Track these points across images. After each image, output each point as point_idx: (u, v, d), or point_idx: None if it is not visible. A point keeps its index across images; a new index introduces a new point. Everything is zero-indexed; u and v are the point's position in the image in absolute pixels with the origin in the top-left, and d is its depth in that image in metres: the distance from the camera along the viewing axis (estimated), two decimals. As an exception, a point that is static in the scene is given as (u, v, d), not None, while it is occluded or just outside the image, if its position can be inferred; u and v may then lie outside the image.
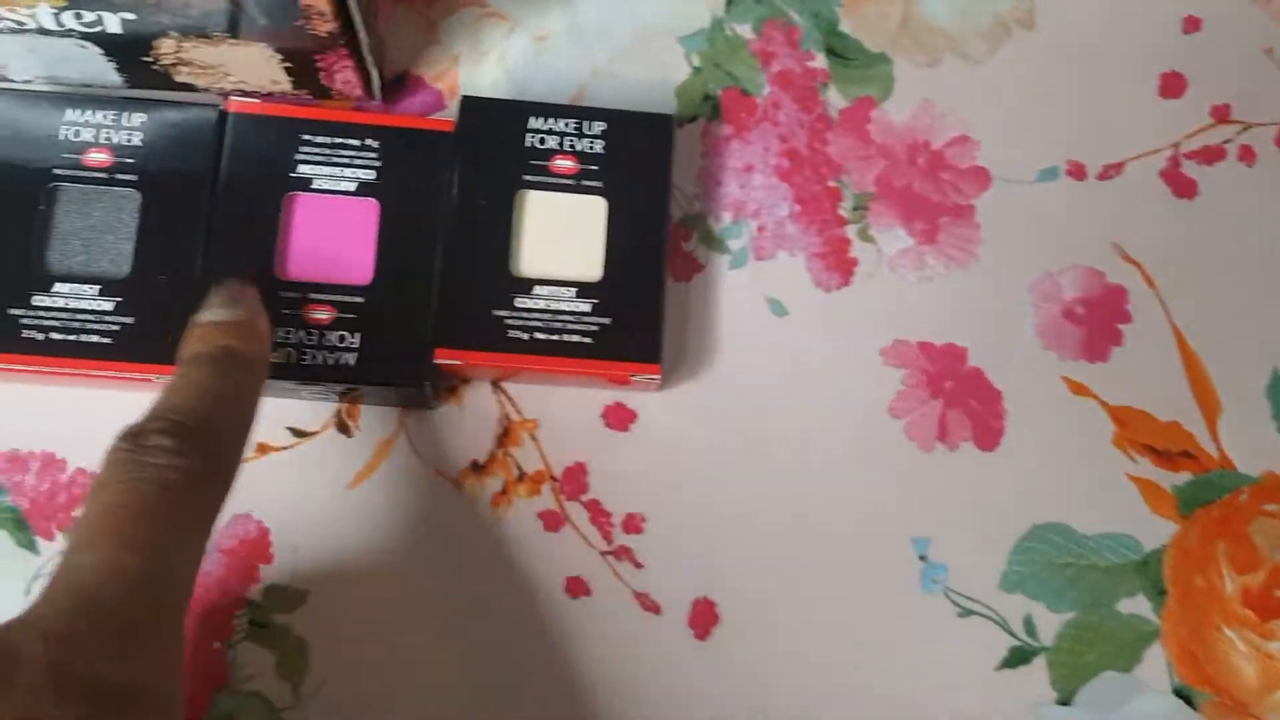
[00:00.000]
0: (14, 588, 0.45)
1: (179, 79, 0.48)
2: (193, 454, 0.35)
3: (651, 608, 0.47)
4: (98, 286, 0.45)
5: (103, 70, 0.47)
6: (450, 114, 0.51)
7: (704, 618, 0.47)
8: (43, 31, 0.44)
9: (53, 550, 0.46)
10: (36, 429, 0.47)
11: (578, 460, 0.48)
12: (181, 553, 0.35)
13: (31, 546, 0.46)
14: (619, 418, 0.49)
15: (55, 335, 0.44)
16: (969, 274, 0.51)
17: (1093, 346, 0.51)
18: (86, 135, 0.46)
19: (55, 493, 0.46)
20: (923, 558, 0.48)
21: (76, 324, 0.44)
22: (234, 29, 0.44)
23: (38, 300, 0.44)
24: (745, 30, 0.53)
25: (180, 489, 0.35)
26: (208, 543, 0.36)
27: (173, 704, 0.32)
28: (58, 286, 0.44)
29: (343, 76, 0.47)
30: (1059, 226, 0.52)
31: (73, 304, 0.44)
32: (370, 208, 0.47)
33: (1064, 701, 0.47)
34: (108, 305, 0.44)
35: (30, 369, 0.44)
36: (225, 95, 0.49)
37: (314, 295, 0.45)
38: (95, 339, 0.44)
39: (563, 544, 0.47)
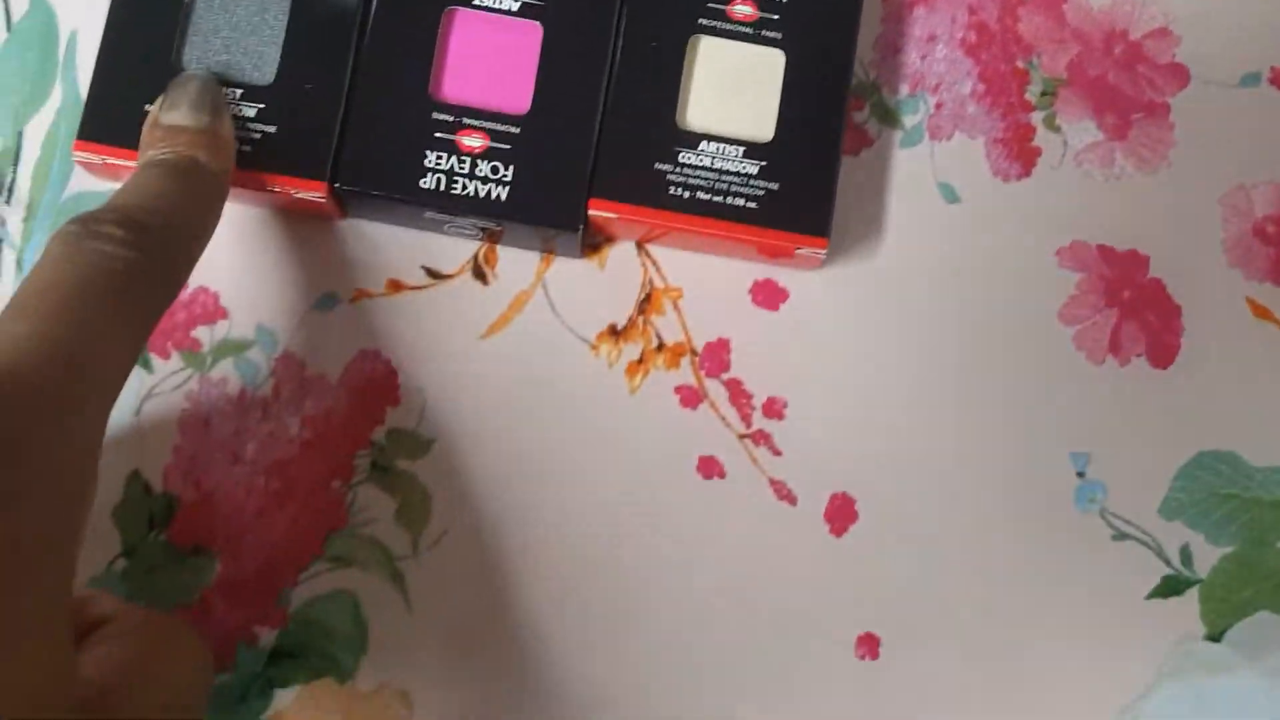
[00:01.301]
0: (125, 404, 0.43)
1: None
2: (141, 248, 0.34)
3: (787, 497, 0.44)
4: (240, 90, 0.41)
5: None
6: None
7: (842, 514, 0.44)
8: None
9: (168, 369, 0.43)
10: (157, 242, 0.44)
11: (721, 336, 0.45)
12: (113, 341, 0.32)
13: (145, 364, 0.43)
14: (769, 295, 0.46)
15: None
16: (1159, 178, 0.47)
17: (1281, 269, 0.47)
18: (233, -83, 0.42)
19: (174, 310, 0.43)
20: (1080, 474, 0.45)
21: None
22: None
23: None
24: (943, -113, 0.48)
25: (122, 277, 0.33)
26: (139, 351, 0.34)
27: (76, 497, 0.31)
28: None
29: (514, -111, 0.43)
30: (1257, 137, 0.48)
31: None
32: (533, 31, 0.43)
33: (1213, 638, 0.44)
34: (250, 111, 0.41)
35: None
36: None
37: (468, 120, 0.42)
38: (237, 146, 0.41)
39: (699, 422, 0.44)
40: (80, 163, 0.41)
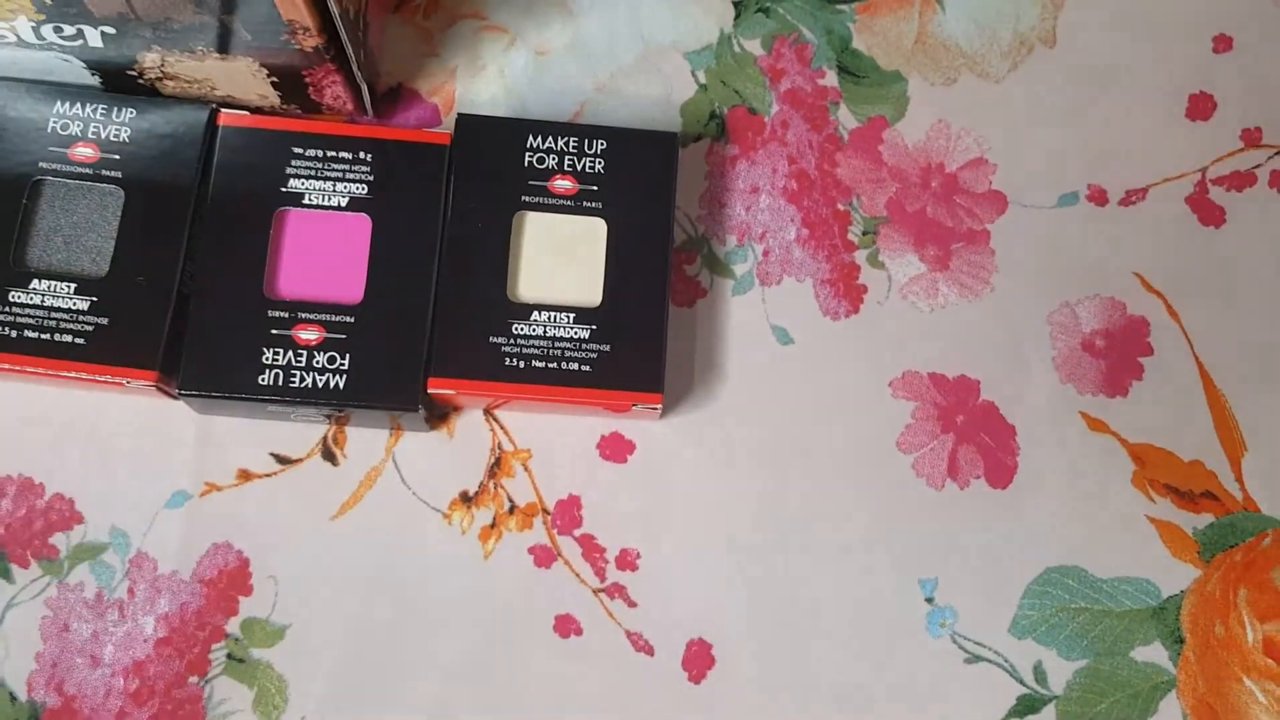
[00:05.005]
0: (-13, 617, 0.44)
1: (165, 92, 0.46)
2: None
3: (644, 648, 0.45)
4: (74, 284, 0.43)
5: (87, 83, 0.46)
6: (446, 129, 0.49)
7: (699, 659, 0.45)
8: (23, 44, 0.43)
9: (28, 578, 0.44)
10: (13, 452, 0.45)
11: (572, 493, 0.46)
12: None
13: (6, 574, 0.44)
14: (616, 448, 0.47)
15: (29, 333, 0.43)
16: (983, 303, 0.49)
17: (1112, 380, 0.48)
18: (75, 129, 0.45)
19: (32, 519, 0.45)
20: (929, 600, 0.46)
21: (51, 323, 0.43)
22: (217, 45, 0.42)
23: (14, 296, 0.43)
24: (754, 46, 0.51)
25: None
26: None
27: None
28: (35, 283, 0.43)
29: (332, 92, 0.46)
30: (1078, 254, 0.50)
31: (49, 301, 0.43)
32: (362, 224, 0.45)
33: (1075, 754, 0.45)
34: (83, 305, 0.43)
35: (1, 367, 0.43)
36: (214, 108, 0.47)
37: (303, 314, 0.44)
38: (69, 339, 0.43)
39: (553, 580, 0.46)
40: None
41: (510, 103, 0.50)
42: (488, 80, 0.50)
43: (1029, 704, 0.45)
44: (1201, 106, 0.51)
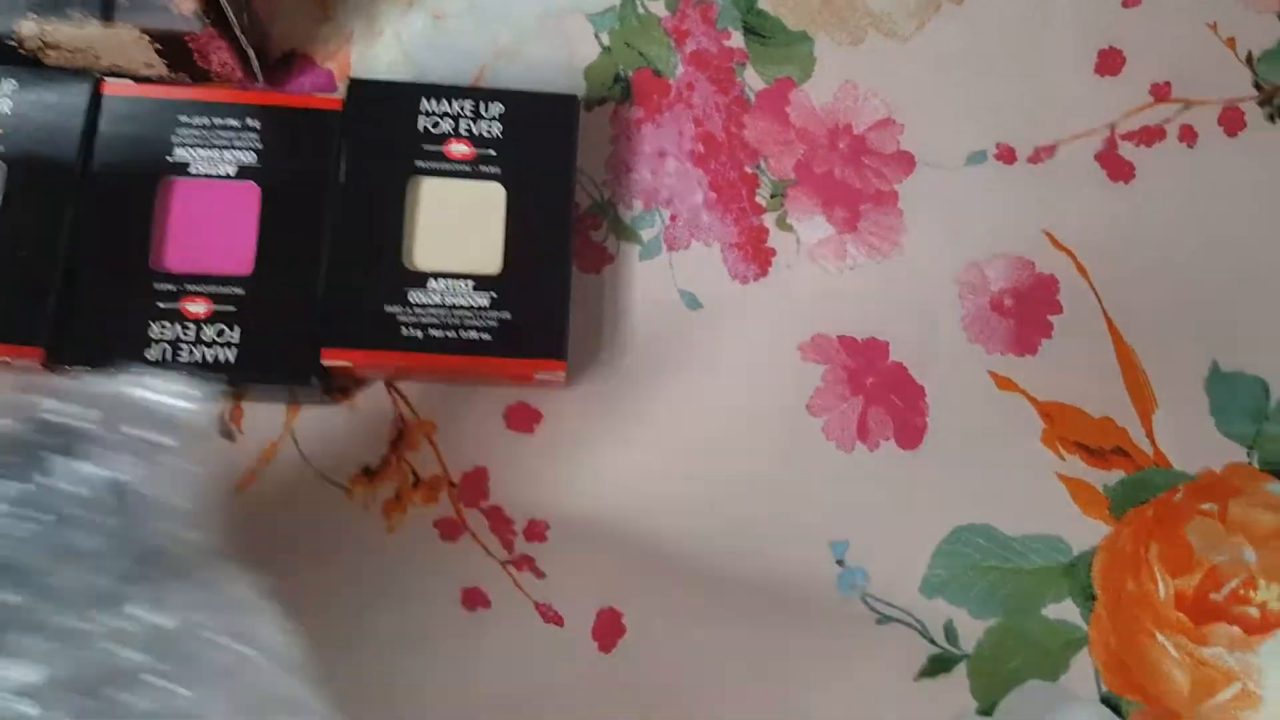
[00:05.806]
0: None
1: (49, 63, 0.45)
2: None
3: (554, 619, 0.45)
4: None
5: (-33, 52, 0.44)
6: (340, 95, 0.48)
7: (609, 628, 0.45)
8: (-110, 11, 0.41)
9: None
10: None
11: (478, 464, 0.46)
12: None
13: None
14: (523, 418, 0.46)
15: None
16: (892, 264, 0.48)
17: (1021, 339, 0.48)
18: (-47, 104, 0.43)
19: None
20: (840, 562, 0.46)
21: None
22: (98, 11, 0.41)
23: None
24: (658, 7, 0.50)
25: None
26: None
27: None
28: None
29: (219, 58, 0.44)
30: (987, 213, 0.49)
31: None
32: (251, 192, 0.44)
33: (985, 712, 0.45)
34: None
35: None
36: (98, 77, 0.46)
37: (191, 287, 0.43)
38: None
39: (460, 554, 0.45)
40: None
41: (408, 68, 0.48)
42: (385, 45, 0.49)
43: (940, 663, 0.45)
44: (1111, 61, 0.51)
